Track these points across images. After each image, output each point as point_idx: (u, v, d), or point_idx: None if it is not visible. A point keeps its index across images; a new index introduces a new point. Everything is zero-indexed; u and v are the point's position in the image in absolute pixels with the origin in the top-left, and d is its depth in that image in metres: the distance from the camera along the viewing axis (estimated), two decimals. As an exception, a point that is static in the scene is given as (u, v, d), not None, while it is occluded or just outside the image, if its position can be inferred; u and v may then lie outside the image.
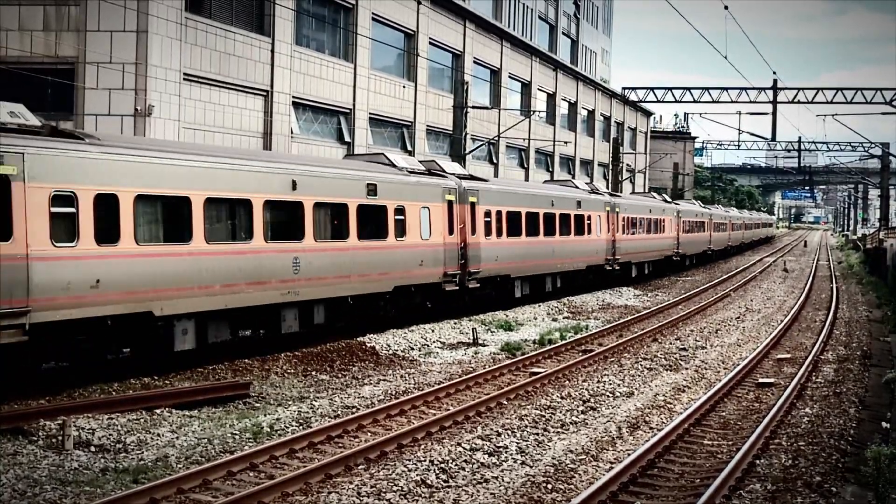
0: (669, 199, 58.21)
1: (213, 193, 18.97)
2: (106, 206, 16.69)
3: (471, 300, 29.50)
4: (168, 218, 18.30)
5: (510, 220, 31.46)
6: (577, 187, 40.56)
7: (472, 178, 30.60)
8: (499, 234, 30.56)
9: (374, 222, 24.18)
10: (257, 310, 20.37)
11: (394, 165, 26.26)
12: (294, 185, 21.22)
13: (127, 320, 17.28)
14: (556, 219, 35.37)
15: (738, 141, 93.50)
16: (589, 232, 38.70)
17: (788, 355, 23.45)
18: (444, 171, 28.71)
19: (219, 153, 20.18)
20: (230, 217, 19.77)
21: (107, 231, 16.72)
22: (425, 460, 12.99)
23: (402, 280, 25.37)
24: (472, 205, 28.94)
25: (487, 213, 29.89)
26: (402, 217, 25.24)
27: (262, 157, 22.58)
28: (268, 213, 20.34)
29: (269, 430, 14.62)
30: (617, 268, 42.17)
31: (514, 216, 31.87)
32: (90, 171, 16.46)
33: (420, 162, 28.69)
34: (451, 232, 27.57)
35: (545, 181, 52.37)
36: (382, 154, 27.41)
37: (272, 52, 34.12)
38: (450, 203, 27.63)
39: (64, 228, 15.95)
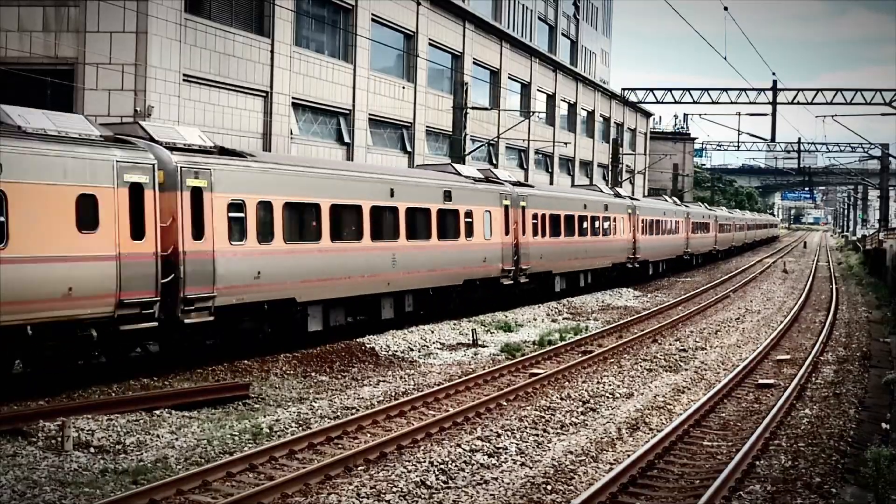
0: (679, 202, 60.70)
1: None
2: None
3: (520, 293, 32.86)
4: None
5: (552, 222, 35.01)
6: (601, 191, 44.26)
7: (520, 184, 34.90)
8: (543, 234, 33.99)
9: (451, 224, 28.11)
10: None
11: (459, 174, 30.06)
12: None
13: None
14: (589, 221, 38.99)
15: (738, 142, 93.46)
16: (614, 233, 42.14)
17: (788, 356, 23.44)
18: (498, 178, 32.27)
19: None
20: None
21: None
22: (425, 461, 12.99)
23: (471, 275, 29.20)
24: (523, 209, 32.34)
25: (535, 216, 33.29)
26: (470, 220, 28.77)
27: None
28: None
29: (268, 431, 14.62)
30: (637, 265, 45.05)
31: (555, 219, 35.45)
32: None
33: (478, 170, 31.98)
34: (507, 233, 30.90)
35: (575, 185, 56.13)
36: (450, 164, 32.24)
37: (272, 52, 34.11)
38: (506, 207, 31.06)
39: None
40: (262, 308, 20.43)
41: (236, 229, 19.50)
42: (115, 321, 16.86)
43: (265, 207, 20.22)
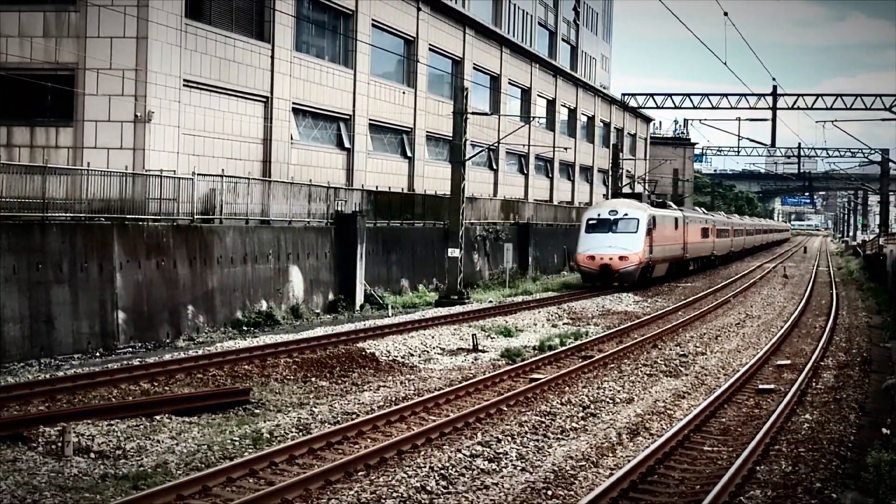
0: (726, 214, 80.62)
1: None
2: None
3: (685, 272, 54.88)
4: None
5: (696, 230, 56.03)
6: (693, 209, 68.34)
7: (681, 208, 56.47)
8: (691, 238, 53.83)
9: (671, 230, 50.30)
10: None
11: (666, 206, 52.45)
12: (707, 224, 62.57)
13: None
14: (708, 230, 60.84)
15: (738, 147, 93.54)
16: (709, 237, 61.56)
17: (788, 361, 23.44)
18: (671, 205, 54.00)
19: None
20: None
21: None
22: (425, 466, 12.99)
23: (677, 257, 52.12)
24: (683, 225, 51.63)
25: (690, 229, 53.43)
26: (677, 230, 50.60)
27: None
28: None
29: (268, 436, 14.62)
30: (714, 259, 64.68)
31: (701, 228, 57.80)
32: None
33: (664, 202, 54.29)
34: (679, 238, 51.24)
35: (693, 206, 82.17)
36: (668, 202, 55.91)
37: (272, 58, 34.14)
38: (677, 222, 50.72)
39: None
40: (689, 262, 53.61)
41: (699, 235, 55.42)
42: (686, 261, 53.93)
43: (706, 230, 57.02)
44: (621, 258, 41.73)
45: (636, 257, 42.00)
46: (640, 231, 42.31)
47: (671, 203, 57.80)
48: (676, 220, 50.23)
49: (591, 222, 43.06)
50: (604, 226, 42.39)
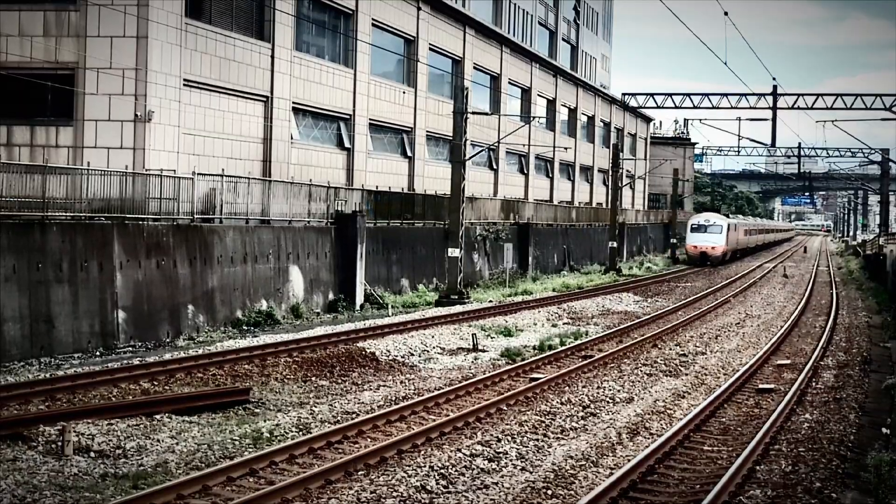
0: (761, 216, 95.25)
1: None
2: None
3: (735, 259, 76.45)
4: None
5: (742, 231, 77.95)
6: (740, 216, 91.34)
7: (732, 217, 78.74)
8: (741, 235, 77.09)
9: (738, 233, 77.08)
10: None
11: (728, 217, 77.38)
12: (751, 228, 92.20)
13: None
14: (747, 230, 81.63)
15: (738, 147, 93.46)
16: (746, 235, 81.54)
17: (788, 361, 23.45)
18: (729, 216, 78.29)
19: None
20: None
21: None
22: (425, 466, 13.00)
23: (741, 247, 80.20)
24: (738, 227, 74.40)
25: (740, 229, 76.25)
26: (735, 231, 74.20)
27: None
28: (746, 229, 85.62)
29: (268, 435, 14.62)
30: (747, 249, 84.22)
31: (744, 229, 79.57)
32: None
33: (725, 214, 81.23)
34: (738, 236, 74.70)
35: (742, 216, 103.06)
36: (723, 214, 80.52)
37: (272, 57, 34.14)
38: (735, 226, 72.92)
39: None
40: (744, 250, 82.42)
41: (743, 234, 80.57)
42: (737, 250, 78.65)
43: (746, 230, 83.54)
44: (713, 248, 67.43)
45: (721, 248, 67.83)
46: (723, 233, 67.70)
47: (728, 213, 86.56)
48: (735, 225, 74.34)
49: (693, 226, 68.93)
50: (702, 228, 68.12)
